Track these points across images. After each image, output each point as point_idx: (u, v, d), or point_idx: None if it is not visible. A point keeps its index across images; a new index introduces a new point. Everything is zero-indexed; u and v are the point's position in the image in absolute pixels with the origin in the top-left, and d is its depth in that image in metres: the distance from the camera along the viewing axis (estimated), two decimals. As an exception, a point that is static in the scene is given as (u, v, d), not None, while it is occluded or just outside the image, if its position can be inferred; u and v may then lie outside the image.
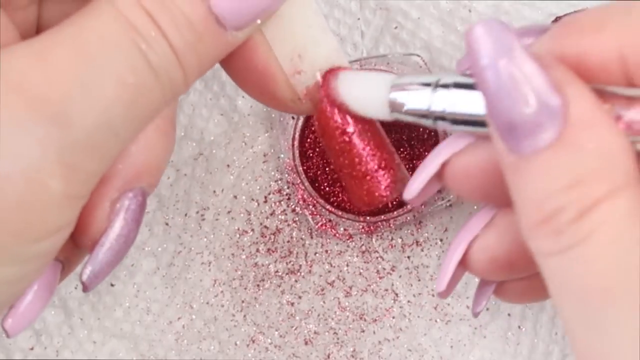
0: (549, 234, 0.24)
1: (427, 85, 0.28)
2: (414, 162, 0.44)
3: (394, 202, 0.44)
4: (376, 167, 0.32)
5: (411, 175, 0.31)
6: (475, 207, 0.45)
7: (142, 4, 0.26)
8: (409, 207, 0.43)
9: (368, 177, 0.32)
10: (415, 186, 0.30)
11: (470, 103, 0.27)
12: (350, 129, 0.31)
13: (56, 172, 0.25)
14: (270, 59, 0.31)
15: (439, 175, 0.30)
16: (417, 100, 0.28)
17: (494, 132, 0.25)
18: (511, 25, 0.45)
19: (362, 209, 0.35)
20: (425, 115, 0.28)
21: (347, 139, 0.31)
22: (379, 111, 0.31)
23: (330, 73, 0.32)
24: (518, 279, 0.32)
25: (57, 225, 0.27)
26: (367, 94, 0.32)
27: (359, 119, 0.31)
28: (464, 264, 0.31)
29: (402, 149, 0.44)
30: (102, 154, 0.26)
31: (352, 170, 0.32)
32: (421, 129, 0.44)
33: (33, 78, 0.25)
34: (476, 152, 0.28)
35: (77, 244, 0.30)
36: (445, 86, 0.27)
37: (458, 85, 0.27)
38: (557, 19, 0.44)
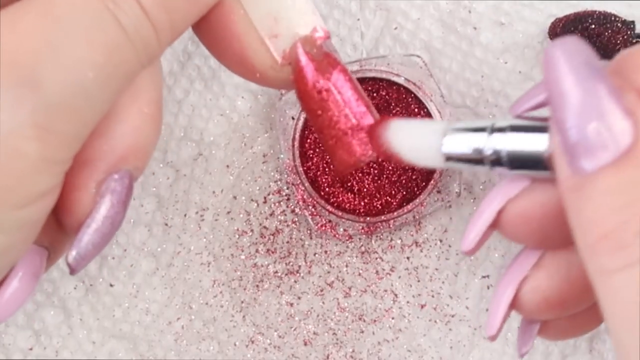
0: (613, 249, 0.24)
1: (482, 130, 0.28)
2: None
3: (394, 203, 0.44)
4: (356, 124, 0.31)
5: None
6: (474, 208, 0.45)
7: None
8: (408, 207, 0.43)
9: (349, 136, 0.31)
10: (472, 237, 0.30)
11: (529, 144, 0.27)
12: (324, 89, 0.31)
13: (30, 135, 0.25)
14: (245, 23, 0.31)
15: (494, 222, 0.29)
16: (472, 145, 0.28)
17: (559, 156, 0.25)
18: (511, 25, 0.45)
19: (343, 172, 0.34)
20: (481, 160, 0.28)
21: (325, 98, 0.31)
22: (433, 160, 0.30)
23: (379, 124, 0.32)
24: (565, 317, 0.32)
25: (38, 190, 0.27)
26: (420, 144, 0.31)
27: (338, 76, 0.31)
28: (513, 305, 0.30)
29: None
30: (77, 117, 0.26)
31: (332, 130, 0.32)
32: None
33: (3, 44, 0.25)
34: (532, 197, 0.28)
35: (62, 226, 0.30)
36: (501, 130, 0.27)
37: (514, 128, 0.27)
38: (556, 20, 0.44)
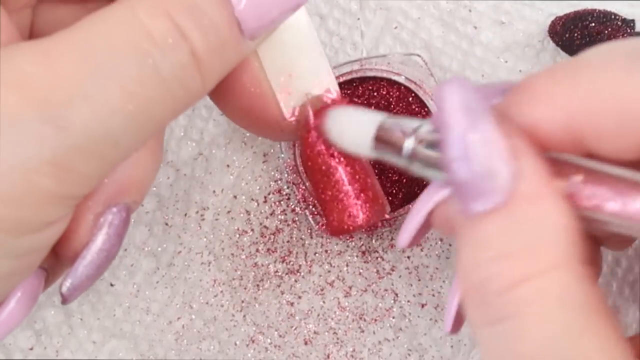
0: (478, 304, 0.24)
1: (410, 128, 0.29)
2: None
3: (395, 202, 0.44)
4: (358, 192, 0.32)
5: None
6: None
7: (167, 9, 0.26)
8: (409, 206, 0.43)
9: (348, 203, 0.32)
10: (405, 236, 0.31)
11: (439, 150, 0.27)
12: (334, 154, 0.32)
13: (47, 172, 0.25)
14: (260, 77, 0.31)
15: (427, 222, 0.30)
16: (396, 139, 0.30)
17: (453, 191, 0.25)
18: (512, 24, 0.45)
19: (337, 234, 0.35)
20: (400, 155, 0.29)
21: (330, 164, 0.31)
22: (361, 149, 0.32)
23: (323, 109, 0.33)
24: None
25: (48, 221, 0.27)
26: (352, 132, 0.33)
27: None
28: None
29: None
30: (99, 160, 0.26)
31: (332, 194, 0.32)
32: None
33: (35, 78, 0.25)
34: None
35: (58, 254, 0.30)
36: (424, 131, 0.28)
37: (435, 131, 0.28)
38: (556, 19, 0.44)
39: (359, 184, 0.33)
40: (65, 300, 0.30)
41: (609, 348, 0.22)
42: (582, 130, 0.24)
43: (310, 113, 0.32)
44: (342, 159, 0.33)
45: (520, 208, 0.23)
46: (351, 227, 0.33)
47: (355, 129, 0.33)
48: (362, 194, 0.33)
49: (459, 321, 0.31)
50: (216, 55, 0.27)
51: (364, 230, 0.43)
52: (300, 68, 0.31)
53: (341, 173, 0.32)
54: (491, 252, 0.23)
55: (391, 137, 0.31)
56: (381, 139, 0.32)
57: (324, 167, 0.33)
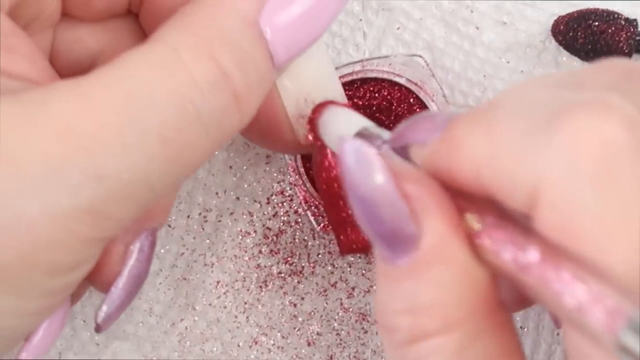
0: (387, 345, 0.25)
1: (381, 140, 0.30)
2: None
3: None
4: None
5: None
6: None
7: (211, 51, 0.25)
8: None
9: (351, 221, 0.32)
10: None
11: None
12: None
13: (85, 220, 0.25)
14: (276, 102, 0.31)
15: None
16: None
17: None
18: (513, 25, 0.45)
19: (347, 252, 0.35)
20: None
21: (339, 183, 0.32)
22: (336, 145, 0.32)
23: (324, 105, 0.33)
24: None
25: (80, 262, 0.27)
26: (335, 128, 0.33)
27: None
28: None
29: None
30: (135, 205, 0.26)
31: (342, 214, 0.32)
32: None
33: (76, 125, 0.24)
34: None
35: (91, 283, 0.30)
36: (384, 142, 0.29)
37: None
38: (559, 18, 0.44)
39: None
40: (99, 329, 0.31)
41: None
42: (488, 180, 0.24)
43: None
44: None
45: (421, 269, 0.24)
46: (362, 247, 0.34)
47: (339, 125, 0.33)
48: None
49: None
50: (255, 92, 0.27)
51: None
52: (315, 92, 0.31)
53: None
54: (398, 304, 0.24)
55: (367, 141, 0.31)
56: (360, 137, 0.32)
57: (340, 192, 0.33)
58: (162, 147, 0.25)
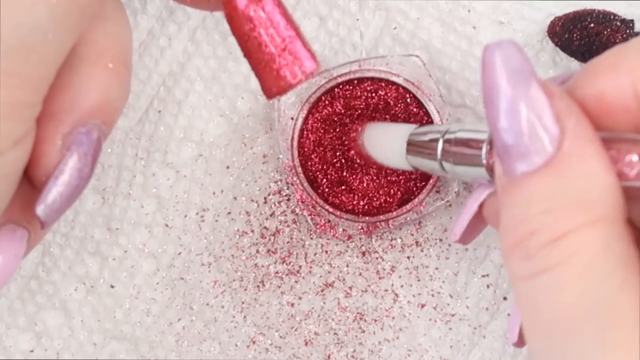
0: (520, 257, 0.24)
1: (438, 131, 0.33)
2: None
3: (394, 203, 0.44)
4: (283, 50, 0.31)
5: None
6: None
7: None
8: (408, 207, 0.44)
9: (277, 60, 0.31)
10: (457, 229, 0.33)
11: (471, 145, 0.30)
12: (253, 13, 0.31)
13: None
14: None
15: (480, 220, 0.32)
16: (427, 144, 0.34)
17: (496, 155, 0.25)
18: (511, 24, 0.45)
19: (273, 96, 0.34)
20: (434, 157, 0.33)
21: (253, 23, 0.31)
22: (396, 156, 0.37)
23: (358, 127, 0.38)
24: None
25: (9, 138, 0.27)
26: (387, 142, 0.38)
27: (265, 1, 0.32)
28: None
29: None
30: (37, 58, 0.26)
31: (261, 55, 0.32)
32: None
33: None
34: None
35: (31, 180, 0.30)
36: (452, 132, 0.31)
37: (462, 130, 0.31)
38: (555, 19, 0.44)
39: (287, 36, 0.33)
40: (43, 223, 0.30)
41: None
42: None
43: None
44: (263, 11, 0.33)
45: (564, 166, 0.24)
46: (293, 80, 0.33)
47: (389, 138, 0.36)
48: (290, 45, 0.33)
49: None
50: None
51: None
52: None
53: (266, 30, 0.32)
54: (536, 208, 0.24)
55: (423, 140, 0.34)
56: (413, 144, 0.35)
57: (247, 27, 0.32)
58: None
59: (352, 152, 0.43)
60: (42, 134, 0.29)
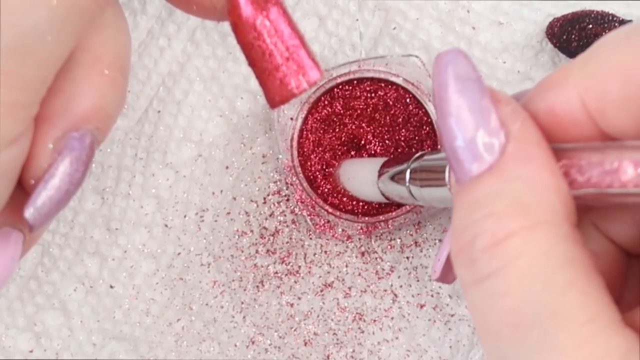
0: (466, 263, 0.24)
1: (405, 162, 0.35)
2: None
3: (394, 203, 0.44)
4: (287, 59, 0.32)
5: None
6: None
7: None
8: (407, 207, 0.44)
9: (281, 69, 0.32)
10: (437, 265, 0.33)
11: (436, 169, 0.32)
12: (258, 22, 0.31)
13: None
14: None
15: None
16: (396, 173, 0.36)
17: (448, 162, 0.25)
18: (510, 25, 0.45)
19: (277, 105, 0.35)
20: (402, 183, 0.35)
21: (258, 31, 0.31)
22: (371, 194, 0.40)
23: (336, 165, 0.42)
24: None
25: (6, 137, 0.27)
26: (360, 180, 0.41)
27: (272, 9, 0.32)
28: None
29: (399, 149, 0.44)
30: (36, 59, 0.27)
31: (265, 63, 0.32)
32: (422, 132, 0.44)
33: None
34: None
35: (22, 184, 0.30)
36: (419, 159, 0.34)
37: (428, 157, 0.34)
38: (554, 20, 0.44)
39: (291, 46, 0.33)
40: (30, 227, 0.30)
41: (595, 306, 0.23)
42: (595, 109, 0.25)
43: None
44: (269, 20, 0.33)
45: (506, 169, 0.24)
46: (296, 90, 0.33)
47: (361, 172, 0.38)
48: (294, 55, 0.33)
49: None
50: None
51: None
52: None
53: (270, 39, 0.32)
54: (480, 212, 0.24)
55: (392, 169, 0.36)
56: (383, 174, 0.38)
57: (251, 35, 0.32)
58: None
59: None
60: (34, 137, 0.29)
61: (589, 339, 0.22)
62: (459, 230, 0.25)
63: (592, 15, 0.43)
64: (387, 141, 0.44)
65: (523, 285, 0.23)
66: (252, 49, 0.32)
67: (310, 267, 0.45)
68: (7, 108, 0.26)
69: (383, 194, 0.39)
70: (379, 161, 0.40)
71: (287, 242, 0.45)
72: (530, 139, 0.24)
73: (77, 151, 0.30)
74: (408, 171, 0.35)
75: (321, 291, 0.45)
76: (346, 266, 0.45)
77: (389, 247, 0.45)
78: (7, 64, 0.26)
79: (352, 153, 0.44)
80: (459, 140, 0.24)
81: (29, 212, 0.29)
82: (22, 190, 0.30)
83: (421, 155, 0.35)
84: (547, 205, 0.23)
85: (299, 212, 0.45)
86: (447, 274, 0.34)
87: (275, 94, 0.32)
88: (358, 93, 0.45)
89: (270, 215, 0.45)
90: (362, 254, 0.45)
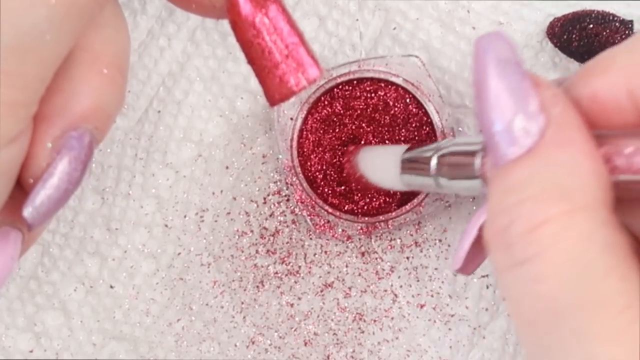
0: (501, 248, 0.24)
1: (430, 150, 0.33)
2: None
3: (393, 203, 0.44)
4: (286, 57, 0.31)
5: None
6: (474, 207, 0.45)
7: None
8: (407, 207, 0.44)
9: (280, 66, 0.31)
10: (460, 255, 0.31)
11: (463, 159, 0.30)
12: (257, 20, 0.31)
13: None
14: None
15: (479, 242, 0.30)
16: (421, 161, 0.34)
17: (486, 146, 0.25)
18: (510, 25, 0.45)
19: (276, 102, 0.34)
20: (427, 172, 0.33)
21: (258, 29, 0.31)
22: (393, 182, 0.37)
23: (353, 150, 0.40)
24: None
25: (5, 135, 0.27)
26: (381, 168, 0.39)
27: (272, 7, 0.32)
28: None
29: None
30: (35, 58, 0.27)
31: (264, 61, 0.32)
32: (422, 132, 0.44)
33: None
34: None
35: (20, 183, 0.30)
36: (445, 147, 0.32)
37: (455, 144, 0.31)
38: (554, 20, 0.44)
39: (291, 43, 0.33)
40: (29, 226, 0.30)
41: (633, 293, 0.22)
42: (639, 95, 0.25)
43: None
44: (268, 18, 0.33)
45: (547, 152, 0.24)
46: (296, 87, 0.33)
47: (382, 159, 0.36)
48: (293, 53, 0.33)
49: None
50: None
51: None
52: None
53: (269, 37, 0.32)
54: (517, 196, 0.24)
55: (416, 158, 0.35)
56: (407, 163, 0.36)
57: (251, 33, 0.32)
58: None
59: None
60: (33, 136, 0.29)
61: (627, 326, 0.22)
62: (494, 215, 0.24)
63: (593, 15, 0.43)
64: (387, 141, 0.44)
65: (561, 272, 0.23)
66: (252, 47, 0.32)
67: (310, 267, 0.45)
68: (7, 107, 0.26)
69: (404, 183, 0.38)
70: (401, 148, 0.38)
71: (287, 242, 0.45)
72: (570, 124, 0.24)
73: (76, 150, 0.30)
74: (435, 158, 0.33)
75: (321, 291, 0.45)
76: (346, 266, 0.45)
77: (389, 247, 0.45)
78: (6, 63, 0.26)
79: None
80: (497, 124, 0.24)
81: (28, 211, 0.29)
82: (21, 189, 0.30)
83: (447, 144, 0.33)
84: (587, 190, 0.23)
85: (299, 212, 0.45)
86: (467, 265, 0.33)
87: (275, 92, 0.32)
88: (358, 93, 0.45)
89: (270, 216, 0.45)
90: (362, 254, 0.45)
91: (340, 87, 0.44)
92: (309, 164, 0.44)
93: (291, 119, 0.44)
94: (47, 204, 0.30)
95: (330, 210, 0.44)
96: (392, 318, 0.44)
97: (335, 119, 0.44)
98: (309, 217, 0.44)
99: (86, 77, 0.30)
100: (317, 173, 0.44)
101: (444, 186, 0.33)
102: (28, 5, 0.26)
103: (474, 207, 0.45)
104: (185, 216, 0.45)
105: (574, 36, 0.43)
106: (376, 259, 0.45)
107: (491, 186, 0.25)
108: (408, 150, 0.37)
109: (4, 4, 0.25)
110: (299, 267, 0.45)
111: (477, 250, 0.31)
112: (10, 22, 0.25)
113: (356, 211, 0.44)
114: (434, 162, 0.33)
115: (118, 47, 0.31)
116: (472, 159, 0.29)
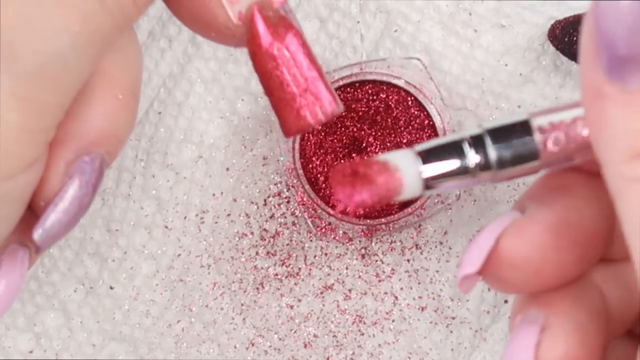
0: (629, 157, 0.23)
1: (456, 143, 0.27)
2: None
3: (394, 206, 0.44)
4: (304, 90, 0.32)
5: None
6: (475, 210, 0.45)
7: None
8: (409, 209, 0.43)
9: (298, 100, 0.32)
10: (479, 257, 0.28)
11: (514, 136, 0.26)
12: (277, 52, 0.31)
13: (10, 105, 0.25)
14: None
15: (484, 268, 0.28)
16: (452, 159, 0.27)
17: (592, 60, 0.24)
18: (512, 28, 0.45)
19: (292, 135, 0.34)
20: (465, 171, 0.27)
21: (277, 61, 0.31)
22: (414, 191, 0.28)
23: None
24: None
25: (22, 161, 0.27)
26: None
27: (292, 40, 0.32)
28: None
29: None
30: (56, 85, 0.27)
31: (282, 93, 0.32)
32: (424, 134, 0.44)
33: None
34: (525, 230, 0.27)
35: (30, 205, 0.30)
36: (478, 136, 0.27)
37: (492, 132, 0.26)
38: (556, 23, 0.44)
39: (310, 77, 0.33)
40: (38, 248, 0.30)
41: None
42: None
43: (257, 13, 0.32)
44: (288, 50, 0.33)
45: None
46: (313, 121, 0.32)
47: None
48: (312, 87, 0.33)
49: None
50: None
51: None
52: None
53: (288, 70, 0.32)
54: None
55: (444, 148, 0.28)
56: (431, 156, 0.28)
57: (270, 65, 0.32)
58: (66, 19, 0.26)
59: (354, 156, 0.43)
60: (47, 163, 0.29)
61: None
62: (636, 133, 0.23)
63: (594, 18, 0.43)
64: (388, 144, 0.44)
65: None
66: (270, 78, 0.32)
67: (310, 269, 0.45)
68: (26, 133, 0.26)
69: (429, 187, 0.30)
70: (408, 151, 0.30)
71: (287, 244, 0.45)
72: None
73: (87, 175, 0.30)
74: (491, 149, 0.27)
75: (321, 293, 0.44)
76: (346, 268, 0.45)
77: (389, 249, 0.45)
78: (27, 90, 0.26)
79: (354, 155, 0.44)
80: (623, 49, 0.23)
81: (38, 234, 0.30)
82: (29, 210, 0.30)
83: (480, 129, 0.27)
84: None
85: (300, 214, 0.45)
86: (468, 283, 0.29)
87: (292, 125, 0.32)
88: (359, 95, 0.44)
89: (270, 217, 0.45)
90: (363, 256, 0.45)
91: (341, 89, 0.44)
92: (310, 166, 0.44)
93: (292, 120, 0.44)
94: (57, 227, 0.30)
95: (331, 212, 0.44)
96: (393, 320, 0.44)
97: (336, 122, 0.44)
98: (310, 219, 0.44)
99: (102, 102, 0.30)
100: (319, 175, 0.44)
101: (487, 180, 0.27)
102: (51, 33, 0.26)
103: (475, 210, 0.45)
104: (185, 217, 0.45)
105: (575, 39, 0.43)
106: (377, 261, 0.45)
107: (618, 107, 0.24)
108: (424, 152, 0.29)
109: (26, 31, 0.25)
110: (299, 269, 0.45)
111: (485, 265, 0.28)
112: (32, 49, 0.25)
113: (357, 213, 0.44)
114: (491, 151, 0.27)
115: (132, 70, 0.31)
116: (527, 131, 0.26)
